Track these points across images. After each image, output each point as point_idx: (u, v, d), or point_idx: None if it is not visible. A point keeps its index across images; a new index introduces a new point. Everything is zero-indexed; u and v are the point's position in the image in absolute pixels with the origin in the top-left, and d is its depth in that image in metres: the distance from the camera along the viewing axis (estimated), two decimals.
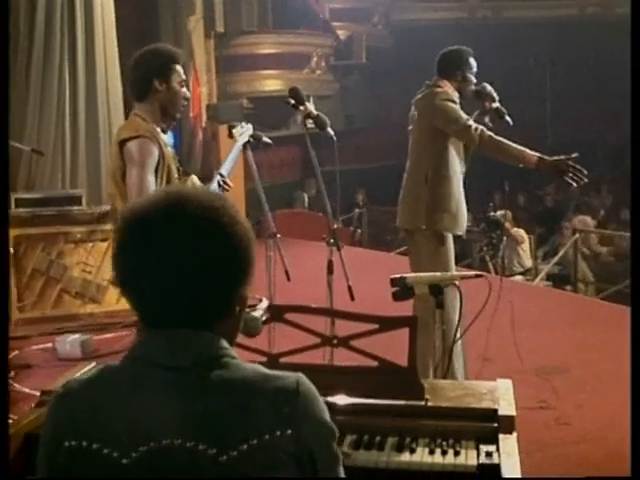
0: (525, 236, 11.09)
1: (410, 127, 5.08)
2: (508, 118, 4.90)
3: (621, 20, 17.05)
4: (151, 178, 3.56)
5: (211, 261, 1.57)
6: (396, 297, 3.08)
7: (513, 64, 16.27)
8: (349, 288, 4.54)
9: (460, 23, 16.22)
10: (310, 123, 4.41)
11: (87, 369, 2.58)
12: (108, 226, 7.26)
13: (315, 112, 4.39)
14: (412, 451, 2.26)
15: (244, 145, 4.81)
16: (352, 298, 4.46)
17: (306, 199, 14.67)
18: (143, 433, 1.51)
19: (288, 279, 5.32)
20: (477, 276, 3.09)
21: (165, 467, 1.50)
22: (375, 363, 2.53)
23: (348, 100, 15.77)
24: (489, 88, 4.95)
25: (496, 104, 4.93)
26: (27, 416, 2.45)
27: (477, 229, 11.11)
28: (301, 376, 1.60)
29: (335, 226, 4.54)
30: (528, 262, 11.02)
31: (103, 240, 7.51)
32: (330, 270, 4.57)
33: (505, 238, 10.82)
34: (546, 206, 15.59)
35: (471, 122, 4.76)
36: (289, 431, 1.52)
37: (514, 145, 4.69)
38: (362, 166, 16.66)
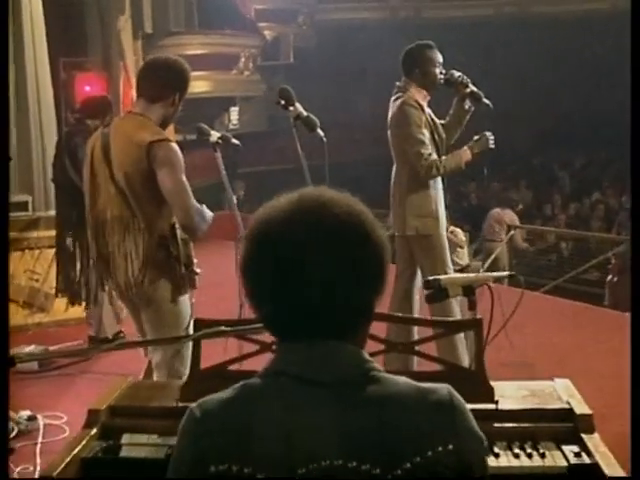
0: (462, 234, 11.21)
1: (389, 131, 5.11)
2: (486, 100, 4.98)
3: (538, 19, 17.56)
4: (185, 180, 3.63)
5: (355, 268, 1.50)
6: (430, 299, 3.05)
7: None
8: None
9: (383, 23, 16.32)
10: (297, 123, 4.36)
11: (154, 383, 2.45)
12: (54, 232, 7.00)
13: (305, 113, 4.33)
14: (496, 455, 2.23)
15: (213, 147, 4.77)
16: None
17: (234, 200, 14.51)
18: (300, 455, 1.42)
19: None
20: (510, 276, 3.08)
21: None
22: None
23: (272, 101, 15.66)
24: (457, 74, 4.99)
25: (470, 88, 4.99)
26: (78, 440, 2.32)
27: None
28: (450, 387, 1.54)
29: None
30: (465, 260, 11.13)
31: (50, 247, 7.23)
32: None
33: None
34: (471, 203, 15.86)
35: (428, 152, 4.84)
36: (450, 446, 1.46)
37: (450, 158, 4.88)
38: (284, 167, 16.60)
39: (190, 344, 3.73)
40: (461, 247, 11.13)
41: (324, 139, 4.36)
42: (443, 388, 1.52)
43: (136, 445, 2.30)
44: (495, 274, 3.03)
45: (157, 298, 3.70)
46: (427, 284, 3.02)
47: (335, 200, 1.54)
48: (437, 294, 3.03)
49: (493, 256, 10.93)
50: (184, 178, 3.66)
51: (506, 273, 3.09)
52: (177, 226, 3.74)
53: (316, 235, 1.49)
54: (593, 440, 2.23)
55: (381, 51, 15.89)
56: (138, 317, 3.84)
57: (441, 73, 5.02)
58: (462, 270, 10.99)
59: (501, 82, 17.72)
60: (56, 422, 4.80)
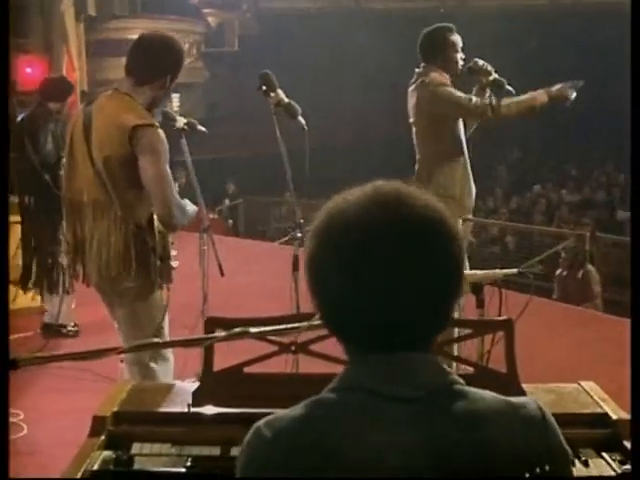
0: None
1: (411, 120, 5.00)
2: (509, 87, 4.79)
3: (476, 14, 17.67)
4: (169, 170, 3.45)
5: (439, 270, 1.36)
6: None
7: (376, 53, 16.43)
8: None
9: (324, 12, 16.22)
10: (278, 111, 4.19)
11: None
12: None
13: (286, 100, 4.17)
14: None
15: (179, 134, 4.60)
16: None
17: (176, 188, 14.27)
18: (391, 476, 1.28)
19: (222, 274, 5.22)
20: (519, 273, 2.98)
21: None
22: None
23: (213, 88, 15.46)
24: (481, 62, 4.82)
25: (493, 76, 4.78)
26: (86, 451, 2.12)
27: None
28: (537, 400, 1.42)
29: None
30: None
31: None
32: (296, 267, 4.42)
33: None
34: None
35: (472, 97, 4.71)
36: (547, 467, 1.35)
37: (521, 98, 4.71)
38: (224, 155, 16.39)
39: (166, 337, 3.64)
40: None
41: (305, 127, 4.21)
42: (532, 402, 1.40)
43: (150, 456, 2.12)
44: (504, 271, 2.93)
45: (130, 290, 3.52)
46: None
47: (414, 195, 1.39)
48: None
49: None
50: (167, 168, 3.47)
51: (515, 270, 2.98)
52: (155, 217, 3.55)
53: (395, 231, 1.34)
54: None
55: (320, 41, 15.85)
56: (112, 308, 3.66)
57: (463, 60, 4.92)
58: None
59: None
60: (13, 419, 4.56)
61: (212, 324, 2.31)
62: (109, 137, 3.40)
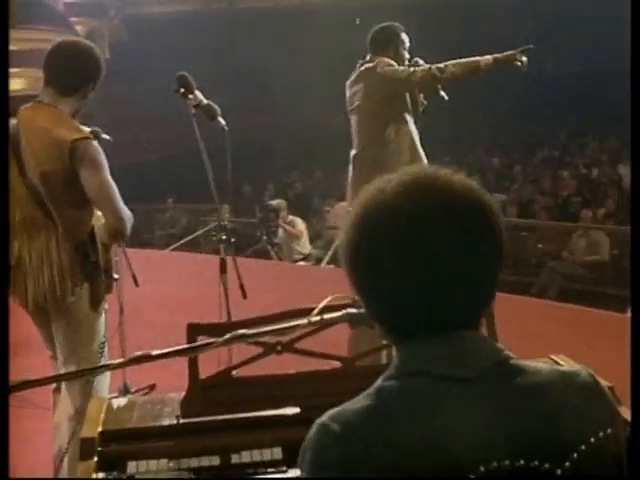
0: (301, 223, 11.24)
1: (354, 106, 4.98)
2: (443, 93, 4.94)
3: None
4: (112, 181, 3.36)
5: (483, 250, 1.39)
6: None
7: (248, 53, 16.44)
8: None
9: (197, 15, 16.06)
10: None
11: None
12: None
13: (205, 101, 4.10)
14: None
15: None
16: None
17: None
18: (467, 459, 1.29)
19: (136, 284, 5.16)
20: None
21: None
22: None
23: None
24: (421, 62, 4.91)
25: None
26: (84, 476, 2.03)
27: (255, 219, 11.12)
28: (587, 368, 1.45)
29: None
30: (307, 248, 11.18)
31: None
32: (223, 269, 4.38)
33: (281, 227, 10.94)
34: (296, 192, 15.94)
35: (414, 68, 4.75)
36: (609, 430, 1.38)
37: (466, 60, 4.75)
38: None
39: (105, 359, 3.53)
40: (300, 236, 11.15)
41: (225, 127, 4.16)
42: (583, 370, 1.44)
43: (150, 474, 2.04)
44: None
45: (75, 307, 3.39)
46: None
47: (453, 179, 1.41)
48: None
49: (337, 243, 11.00)
50: (109, 177, 3.37)
51: None
52: (96, 230, 3.44)
53: (441, 217, 1.36)
54: None
55: (195, 44, 15.69)
56: (46, 328, 3.52)
57: (408, 60, 4.97)
58: (304, 259, 11.05)
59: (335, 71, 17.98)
60: None
61: (194, 331, 2.24)
62: (46, 152, 3.26)
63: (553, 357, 2.54)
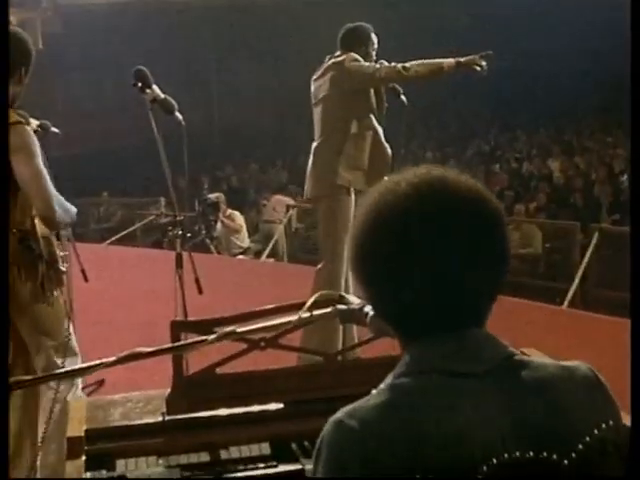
0: (240, 217, 11.21)
1: (320, 97, 5.02)
2: (403, 97, 5.05)
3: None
4: (43, 167, 3.28)
5: (491, 250, 1.43)
6: None
7: (185, 46, 16.31)
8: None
9: (133, 6, 15.83)
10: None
11: None
12: None
13: (162, 95, 4.07)
14: None
15: None
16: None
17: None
18: (478, 452, 1.33)
19: (86, 280, 5.09)
20: None
21: None
22: None
23: None
24: (385, 63, 4.94)
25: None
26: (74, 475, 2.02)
27: (194, 213, 11.04)
28: (584, 362, 1.51)
29: None
30: (246, 242, 11.16)
31: None
32: (179, 264, 4.36)
33: (221, 221, 10.90)
34: (230, 186, 15.88)
35: (379, 65, 4.81)
36: (610, 422, 1.44)
37: (430, 61, 4.85)
38: None
39: (74, 344, 3.50)
40: (240, 230, 11.14)
41: (183, 122, 4.13)
42: (582, 364, 1.49)
43: (139, 471, 2.04)
44: None
45: (25, 302, 3.35)
46: None
47: (462, 181, 1.45)
48: None
49: (276, 237, 11.02)
50: (42, 165, 3.31)
51: None
52: (37, 221, 3.39)
53: (452, 217, 1.40)
54: None
55: (127, 36, 15.49)
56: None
57: (375, 61, 5.01)
58: (243, 252, 11.04)
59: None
60: None
61: (178, 328, 2.24)
62: None
63: (523, 350, 2.61)
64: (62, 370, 1.86)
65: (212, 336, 1.96)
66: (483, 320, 1.45)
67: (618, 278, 8.46)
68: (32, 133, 3.32)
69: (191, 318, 2.33)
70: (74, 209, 3.59)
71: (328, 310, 2.03)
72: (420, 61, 4.84)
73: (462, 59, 4.89)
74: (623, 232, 9.99)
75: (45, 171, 3.31)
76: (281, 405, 2.26)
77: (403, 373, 1.41)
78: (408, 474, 1.31)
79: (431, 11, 18.95)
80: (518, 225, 10.84)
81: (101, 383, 5.24)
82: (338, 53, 5.04)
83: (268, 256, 10.78)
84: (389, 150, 5.07)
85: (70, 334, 3.51)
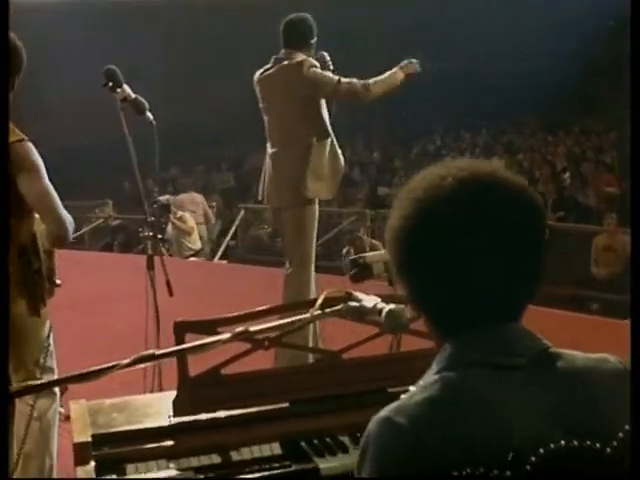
0: (191, 219, 11.11)
1: (265, 104, 4.94)
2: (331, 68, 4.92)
3: None
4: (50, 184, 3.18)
5: (534, 247, 1.45)
6: (354, 279, 2.98)
7: (135, 46, 16.11)
8: None
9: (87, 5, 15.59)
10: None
11: None
12: None
13: (133, 95, 4.01)
14: None
15: None
16: None
17: None
18: (528, 443, 1.34)
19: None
20: None
21: (559, 472, 1.36)
22: None
23: None
24: (327, 57, 4.92)
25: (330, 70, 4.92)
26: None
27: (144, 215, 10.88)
28: (612, 354, 1.54)
29: None
30: (198, 244, 11.07)
31: None
32: (151, 266, 4.32)
33: (172, 223, 10.81)
34: (176, 188, 15.72)
35: (342, 80, 4.72)
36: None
37: (384, 76, 4.81)
38: None
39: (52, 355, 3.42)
40: (191, 232, 11.05)
41: (153, 122, 4.09)
42: (610, 356, 1.51)
43: (153, 475, 2.00)
44: None
45: (16, 315, 3.25)
46: (353, 262, 2.96)
47: (508, 176, 1.46)
48: (360, 272, 2.98)
49: (228, 237, 10.95)
50: (49, 182, 3.19)
51: None
52: (38, 236, 3.29)
53: (498, 213, 1.41)
54: None
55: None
56: None
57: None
58: (195, 254, 10.95)
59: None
60: None
61: (181, 328, 2.21)
62: None
63: None
64: (72, 374, 1.80)
65: (226, 335, 1.93)
66: (521, 314, 1.46)
67: (563, 274, 8.62)
68: (34, 149, 3.19)
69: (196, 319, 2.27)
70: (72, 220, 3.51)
71: (338, 307, 2.02)
72: (377, 79, 4.80)
73: (403, 67, 4.89)
74: (568, 229, 10.22)
75: (52, 188, 3.22)
76: (287, 404, 2.24)
77: (445, 368, 1.41)
78: (458, 468, 1.31)
79: (379, 11, 19.02)
80: None
81: (65, 387, 5.10)
82: (284, 52, 4.90)
83: (221, 258, 10.73)
84: (342, 158, 5.02)
85: (50, 345, 3.41)
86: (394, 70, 4.89)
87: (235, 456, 2.07)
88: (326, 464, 2.06)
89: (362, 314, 2.02)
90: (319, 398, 2.26)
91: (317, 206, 4.93)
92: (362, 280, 3.00)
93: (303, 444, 2.13)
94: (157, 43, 17.40)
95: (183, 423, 2.15)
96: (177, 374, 2.20)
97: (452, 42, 19.91)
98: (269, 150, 5.05)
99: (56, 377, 3.36)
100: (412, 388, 1.45)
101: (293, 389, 2.27)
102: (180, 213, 11.02)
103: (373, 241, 9.76)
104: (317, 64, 4.80)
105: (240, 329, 1.99)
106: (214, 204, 13.04)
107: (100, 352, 5.66)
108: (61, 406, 4.54)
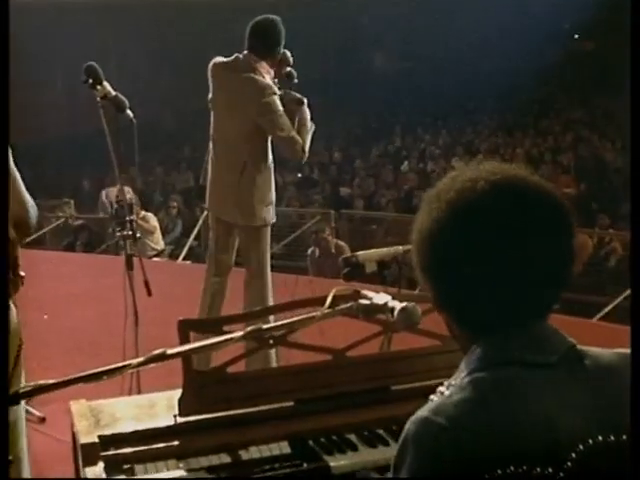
0: (154, 219, 11.01)
1: (212, 97, 4.71)
2: (296, 81, 4.69)
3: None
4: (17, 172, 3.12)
5: (564, 250, 1.47)
6: (347, 277, 2.99)
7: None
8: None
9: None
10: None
11: None
12: None
13: (113, 92, 3.96)
14: None
15: None
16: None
17: None
18: (566, 440, 1.36)
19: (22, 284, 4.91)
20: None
21: (599, 467, 1.38)
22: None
23: None
24: (288, 54, 4.65)
25: (289, 68, 4.66)
26: None
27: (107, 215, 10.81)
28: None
29: None
30: (161, 244, 10.97)
31: None
32: (130, 266, 4.27)
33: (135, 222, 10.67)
34: (136, 188, 15.60)
35: (294, 134, 4.54)
36: None
37: (302, 124, 4.59)
38: None
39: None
40: (154, 232, 10.96)
41: (134, 120, 4.04)
42: (627, 352, 1.52)
43: (164, 475, 1.98)
44: (405, 247, 3.04)
45: None
46: (346, 261, 2.97)
47: (538, 181, 1.48)
48: (353, 271, 2.99)
49: (192, 237, 10.88)
50: (13, 165, 3.11)
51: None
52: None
53: (530, 216, 1.43)
54: None
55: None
56: None
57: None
58: (158, 255, 10.85)
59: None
60: None
61: (186, 327, 2.19)
62: None
63: None
64: (84, 374, 1.77)
65: (238, 333, 1.91)
66: (548, 313, 1.48)
67: None
68: None
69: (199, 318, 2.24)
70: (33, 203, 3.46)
71: (349, 305, 2.02)
72: (302, 130, 4.59)
73: (294, 102, 4.61)
74: None
75: (16, 171, 3.17)
76: (292, 403, 2.23)
77: (479, 368, 1.42)
78: (500, 466, 1.32)
79: (333, 12, 19.06)
80: None
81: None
82: (250, 56, 4.61)
83: (185, 258, 10.66)
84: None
85: (23, 343, 3.36)
86: (298, 111, 4.62)
87: (244, 455, 2.06)
88: (336, 462, 2.06)
89: (373, 312, 2.01)
90: (324, 396, 2.25)
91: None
92: (354, 278, 3.01)
93: (311, 443, 2.13)
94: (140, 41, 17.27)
95: (190, 423, 2.12)
96: (183, 373, 2.18)
97: (412, 42, 20.10)
98: (211, 154, 4.83)
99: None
100: (441, 388, 1.46)
101: (298, 388, 2.26)
102: (143, 213, 10.90)
103: (338, 242, 9.74)
104: (277, 91, 4.57)
105: (252, 327, 1.97)
106: (175, 204, 12.91)
107: (72, 353, 5.61)
108: (32, 407, 4.48)
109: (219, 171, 4.76)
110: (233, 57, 4.66)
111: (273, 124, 4.52)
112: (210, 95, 4.77)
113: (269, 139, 4.64)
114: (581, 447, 1.36)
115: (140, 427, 2.13)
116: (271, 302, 4.69)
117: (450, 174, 1.51)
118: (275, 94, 4.54)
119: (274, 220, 4.79)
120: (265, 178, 4.66)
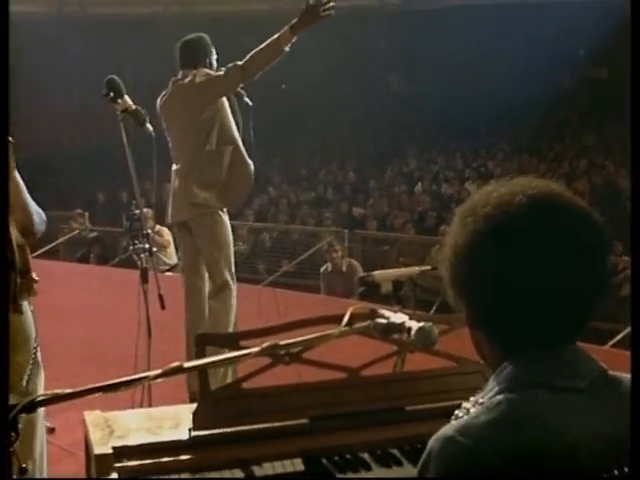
0: (168, 233, 11.01)
1: (167, 125, 4.79)
2: (247, 99, 4.80)
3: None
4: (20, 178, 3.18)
5: (600, 270, 1.46)
6: (363, 296, 3.00)
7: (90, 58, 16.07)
8: None
9: (48, 18, 15.48)
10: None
11: None
12: None
13: (134, 106, 4.00)
14: None
15: None
16: None
17: None
18: (589, 468, 1.35)
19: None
20: (433, 269, 3.10)
21: None
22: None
23: None
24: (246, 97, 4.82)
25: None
26: None
27: (122, 228, 10.81)
28: None
29: None
30: (174, 259, 10.96)
31: None
32: (145, 279, 4.30)
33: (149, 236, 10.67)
34: (150, 201, 15.62)
35: (221, 71, 4.62)
36: None
37: (264, 45, 4.52)
38: None
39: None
40: (167, 246, 10.97)
41: (153, 134, 4.08)
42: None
43: None
44: (420, 268, 3.05)
45: None
46: (362, 280, 2.97)
47: (573, 198, 1.47)
48: (369, 290, 3.00)
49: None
50: (17, 174, 3.19)
51: (428, 267, 3.10)
52: (11, 230, 3.27)
53: (568, 234, 1.42)
54: None
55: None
56: None
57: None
58: (171, 269, 10.85)
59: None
60: None
61: (203, 341, 2.20)
62: None
63: None
64: (101, 384, 1.77)
65: (255, 349, 1.92)
66: (578, 337, 1.46)
67: None
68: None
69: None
70: (44, 215, 3.49)
71: (366, 324, 2.02)
72: (251, 54, 4.54)
73: (296, 22, 4.41)
74: None
75: (20, 180, 3.22)
76: (307, 420, 2.23)
77: (508, 388, 1.40)
78: None
79: (353, 33, 19.13)
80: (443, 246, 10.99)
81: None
82: (180, 73, 4.80)
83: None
84: (251, 165, 4.85)
85: (38, 345, 3.39)
86: (283, 31, 4.46)
87: (258, 471, 2.06)
88: None
89: (390, 331, 2.01)
90: (339, 415, 2.25)
91: (224, 217, 4.80)
92: (369, 297, 3.01)
93: (324, 461, 2.12)
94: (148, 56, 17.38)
95: (204, 437, 2.12)
96: (198, 387, 2.18)
97: (427, 64, 20.13)
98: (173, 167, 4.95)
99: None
100: (466, 404, 1.45)
101: (313, 405, 2.25)
102: (158, 227, 10.91)
103: (352, 261, 9.75)
104: (210, 72, 4.70)
105: (269, 343, 1.98)
106: None
107: (80, 364, 5.61)
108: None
109: (174, 177, 4.88)
110: (170, 82, 4.83)
111: (208, 85, 4.62)
112: (164, 127, 4.85)
113: (223, 121, 4.71)
114: (604, 476, 1.35)
115: (154, 439, 2.13)
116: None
117: (484, 189, 1.49)
118: (208, 74, 4.67)
119: (226, 207, 4.80)
120: (211, 160, 4.70)
